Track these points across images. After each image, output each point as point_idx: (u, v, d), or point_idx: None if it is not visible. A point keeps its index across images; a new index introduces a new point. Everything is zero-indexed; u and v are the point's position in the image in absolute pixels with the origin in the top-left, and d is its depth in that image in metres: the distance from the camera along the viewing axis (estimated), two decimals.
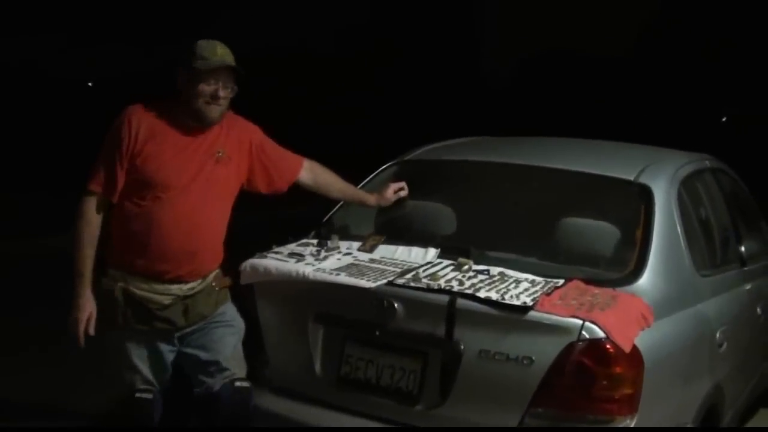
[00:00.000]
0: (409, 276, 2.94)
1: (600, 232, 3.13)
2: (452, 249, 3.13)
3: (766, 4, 21.91)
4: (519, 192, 3.51)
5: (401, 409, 2.84)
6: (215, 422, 3.01)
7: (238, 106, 3.09)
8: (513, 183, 3.55)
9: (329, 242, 3.34)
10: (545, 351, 2.60)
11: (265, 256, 3.22)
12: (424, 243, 3.22)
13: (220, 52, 2.93)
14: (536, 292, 2.74)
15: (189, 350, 3.02)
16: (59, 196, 6.02)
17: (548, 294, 2.72)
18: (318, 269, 3.06)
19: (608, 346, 2.56)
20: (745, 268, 3.85)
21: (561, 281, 2.82)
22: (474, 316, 2.71)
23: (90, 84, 23.28)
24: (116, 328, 2.90)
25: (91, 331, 2.86)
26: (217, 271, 3.06)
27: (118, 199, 2.89)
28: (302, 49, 22.78)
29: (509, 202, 3.51)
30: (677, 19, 25.48)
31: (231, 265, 3.15)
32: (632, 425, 2.60)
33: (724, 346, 3.31)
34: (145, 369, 2.96)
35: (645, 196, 3.19)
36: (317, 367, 3.04)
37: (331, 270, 3.05)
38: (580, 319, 2.58)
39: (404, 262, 3.12)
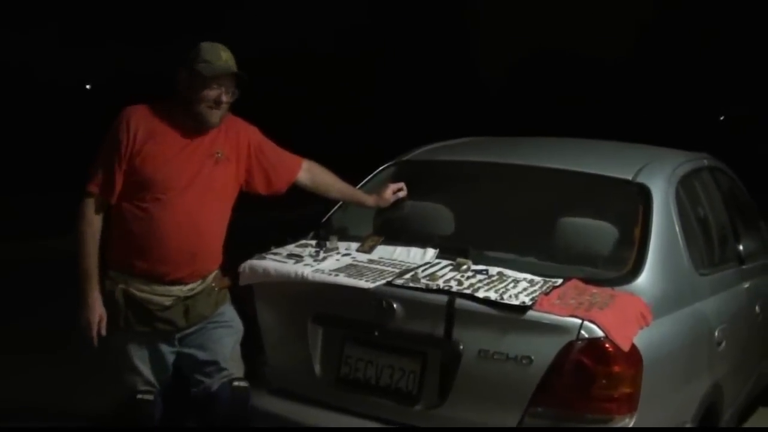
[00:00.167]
0: (407, 276, 2.94)
1: (598, 231, 3.13)
2: (451, 249, 3.13)
3: (764, 4, 21.93)
4: (517, 192, 3.51)
5: (401, 409, 2.84)
6: (213, 422, 3.01)
7: (242, 107, 3.08)
8: (511, 183, 3.55)
9: (328, 243, 3.34)
10: (544, 350, 2.60)
11: (264, 257, 3.22)
12: (422, 243, 3.22)
13: (224, 57, 2.92)
14: (535, 291, 2.74)
15: (187, 350, 3.02)
16: (59, 198, 6.03)
17: (547, 293, 2.72)
18: (317, 270, 3.06)
19: (607, 345, 2.56)
20: (744, 267, 3.85)
21: (559, 281, 2.82)
22: (473, 316, 2.71)
23: (88, 87, 23.26)
24: (118, 330, 2.90)
25: (104, 332, 2.87)
26: (217, 271, 3.06)
27: (118, 200, 2.89)
28: (304, 49, 22.73)
29: (507, 202, 3.50)
30: (675, 19, 25.49)
31: (230, 266, 3.15)
32: (631, 424, 2.60)
33: (723, 344, 3.32)
34: (146, 370, 2.96)
35: (643, 195, 3.18)
36: (316, 367, 3.04)
37: (330, 271, 3.05)
38: (579, 318, 2.58)
39: (403, 263, 3.13)
